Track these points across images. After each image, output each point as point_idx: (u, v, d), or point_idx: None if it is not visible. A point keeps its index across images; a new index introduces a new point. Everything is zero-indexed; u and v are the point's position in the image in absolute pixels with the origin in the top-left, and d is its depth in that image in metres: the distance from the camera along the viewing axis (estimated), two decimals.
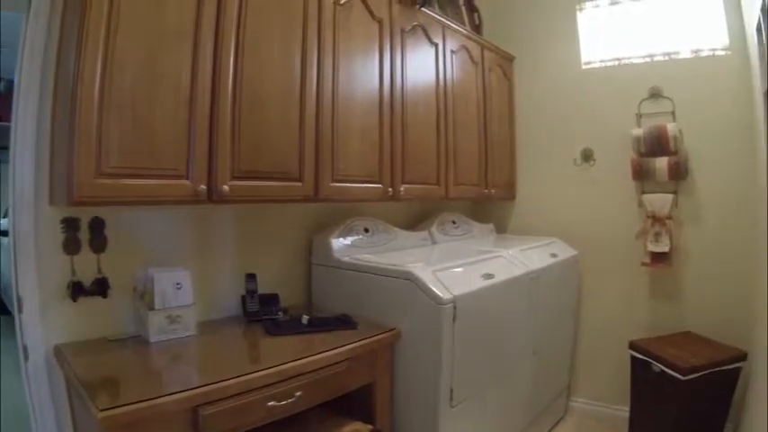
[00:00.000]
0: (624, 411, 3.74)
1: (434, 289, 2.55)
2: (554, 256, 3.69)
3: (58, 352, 2.18)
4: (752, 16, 2.76)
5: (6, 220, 5.72)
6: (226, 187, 2.25)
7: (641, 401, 3.49)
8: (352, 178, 2.87)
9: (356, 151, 2.89)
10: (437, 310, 2.52)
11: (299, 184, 2.59)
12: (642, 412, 3.48)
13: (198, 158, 2.17)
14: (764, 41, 2.50)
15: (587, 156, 4.13)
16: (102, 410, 1.61)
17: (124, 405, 1.66)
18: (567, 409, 4.18)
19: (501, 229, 4.60)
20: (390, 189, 3.10)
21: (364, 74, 2.94)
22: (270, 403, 2.05)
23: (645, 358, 3.37)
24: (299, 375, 2.15)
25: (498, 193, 4.22)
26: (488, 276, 2.90)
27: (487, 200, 4.31)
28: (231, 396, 1.92)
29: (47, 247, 2.22)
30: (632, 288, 3.99)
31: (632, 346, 3.52)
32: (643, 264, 3.82)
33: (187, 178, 2.16)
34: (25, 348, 2.20)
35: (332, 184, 2.73)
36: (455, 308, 2.55)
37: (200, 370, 2.16)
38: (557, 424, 3.97)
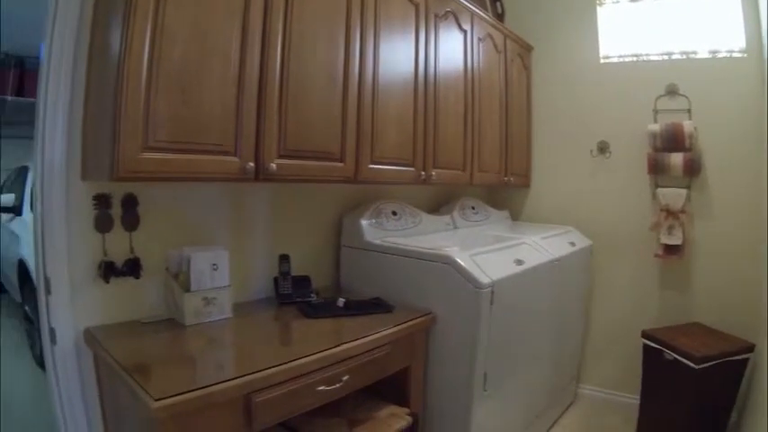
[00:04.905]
0: (630, 399, 3.68)
1: (473, 273, 2.41)
2: (572, 244, 3.57)
3: (89, 336, 1.98)
4: None
5: (3, 196, 5.60)
6: (273, 165, 2.08)
7: (652, 389, 3.38)
8: (388, 161, 2.71)
9: (393, 134, 2.73)
10: (476, 295, 2.38)
11: (341, 164, 2.43)
12: (652, 400, 3.38)
13: (246, 135, 2.00)
14: None
15: (603, 148, 3.98)
16: (157, 400, 1.43)
17: (180, 394, 1.49)
18: (576, 395, 4.07)
19: (514, 216, 4.46)
20: (423, 173, 2.94)
21: (402, 57, 2.78)
22: (319, 388, 1.91)
23: (657, 347, 3.26)
24: (346, 359, 2.02)
25: (516, 181, 4.10)
26: (520, 262, 2.78)
27: (505, 187, 4.17)
28: (283, 382, 1.77)
29: (78, 224, 2.01)
30: (643, 279, 3.88)
31: (645, 334, 3.40)
32: (656, 255, 3.71)
33: (235, 155, 1.98)
34: (53, 332, 1.99)
35: (370, 166, 2.58)
36: (492, 292, 2.42)
37: (247, 355, 1.97)
38: (567, 409, 3.86)
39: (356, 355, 2.06)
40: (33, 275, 4.12)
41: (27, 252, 4.45)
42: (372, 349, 2.14)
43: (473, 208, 3.91)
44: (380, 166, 2.65)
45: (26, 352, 4.65)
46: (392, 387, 2.42)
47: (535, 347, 3.07)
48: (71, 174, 1.99)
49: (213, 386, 1.56)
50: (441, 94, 3.06)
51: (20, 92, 6.31)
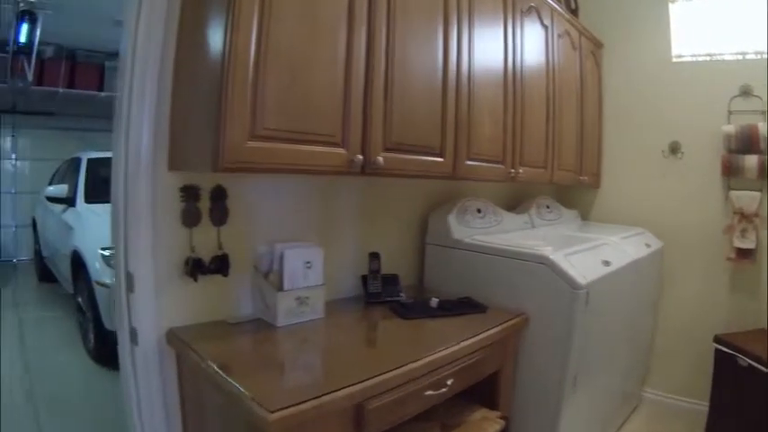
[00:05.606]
0: (696, 405, 3.51)
1: (570, 273, 2.27)
2: (648, 246, 3.41)
3: (173, 337, 1.85)
4: None
5: (54, 187, 5.52)
6: (380, 159, 1.94)
7: (722, 396, 3.21)
8: (482, 158, 2.56)
9: (486, 131, 2.58)
10: (572, 296, 2.25)
11: (441, 160, 2.30)
12: (722, 407, 3.21)
13: (354, 126, 1.86)
14: None
15: (675, 149, 3.81)
16: (273, 412, 1.30)
17: (295, 405, 1.35)
18: (641, 398, 3.90)
19: (583, 216, 4.30)
20: (512, 170, 2.80)
21: (493, 51, 2.64)
22: (427, 393, 1.79)
23: (731, 352, 3.09)
24: (451, 362, 1.90)
25: (589, 181, 3.94)
26: (607, 263, 2.63)
27: (579, 186, 4.01)
28: (394, 388, 1.64)
29: (163, 217, 1.87)
30: (712, 282, 3.69)
31: (717, 339, 3.23)
32: (728, 259, 3.54)
33: (343, 147, 1.84)
34: (134, 332, 1.86)
35: (467, 163, 2.44)
36: (588, 293, 2.29)
37: (352, 359, 1.82)
38: (632, 412, 3.70)
39: (460, 358, 1.94)
40: (89, 267, 4.05)
41: (81, 243, 4.36)
42: (475, 351, 2.02)
43: (548, 207, 3.76)
44: (476, 163, 2.51)
45: (78, 344, 4.55)
46: (480, 389, 2.26)
47: (613, 349, 2.93)
48: (157, 165, 1.85)
49: (327, 395, 1.43)
50: (526, 90, 2.92)
51: (71, 84, 6.28)
